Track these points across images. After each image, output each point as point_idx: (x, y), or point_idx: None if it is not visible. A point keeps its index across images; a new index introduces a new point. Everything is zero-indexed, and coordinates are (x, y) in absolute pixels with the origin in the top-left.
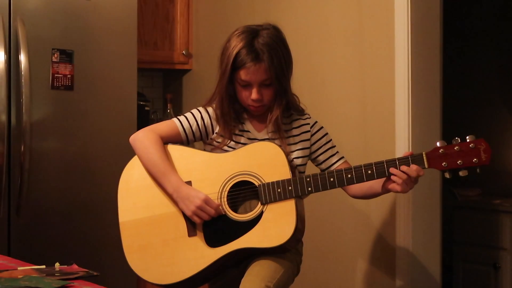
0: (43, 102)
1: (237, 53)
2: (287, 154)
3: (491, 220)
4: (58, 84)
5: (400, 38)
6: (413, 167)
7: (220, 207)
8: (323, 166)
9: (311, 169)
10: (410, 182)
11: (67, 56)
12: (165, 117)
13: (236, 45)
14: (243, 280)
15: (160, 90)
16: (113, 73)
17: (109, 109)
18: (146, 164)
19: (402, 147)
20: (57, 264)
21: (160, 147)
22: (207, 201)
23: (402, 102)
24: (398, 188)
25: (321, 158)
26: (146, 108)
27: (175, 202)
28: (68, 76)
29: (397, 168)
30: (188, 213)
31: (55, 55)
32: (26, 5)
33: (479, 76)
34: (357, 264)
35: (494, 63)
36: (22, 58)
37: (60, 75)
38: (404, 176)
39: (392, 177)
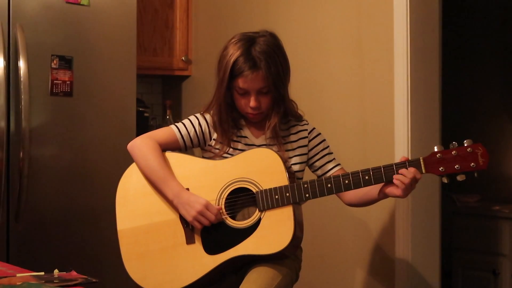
0: (42, 108)
1: (235, 61)
2: (285, 161)
3: (490, 226)
4: (57, 90)
5: (399, 44)
6: (411, 169)
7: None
8: (319, 172)
9: (308, 176)
10: (409, 185)
11: (66, 62)
12: (164, 123)
13: (233, 53)
14: (240, 287)
15: (159, 96)
16: (112, 79)
17: (108, 115)
18: (145, 171)
19: (401, 154)
20: (56, 271)
21: (158, 153)
22: (208, 206)
23: (401, 109)
24: (397, 192)
25: (317, 164)
26: (145, 114)
27: (175, 208)
28: (67, 82)
29: (395, 173)
30: (189, 218)
31: (54, 61)
32: (25, 11)
33: (478, 82)
34: (356, 269)
35: (493, 69)
36: (22, 64)
37: (59, 81)
38: (407, 180)
39: (396, 177)
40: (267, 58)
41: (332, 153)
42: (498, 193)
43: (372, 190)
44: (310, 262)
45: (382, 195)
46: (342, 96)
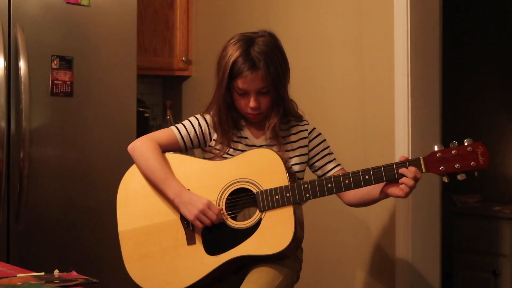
0: (42, 109)
1: (234, 62)
2: (285, 161)
3: (491, 227)
4: (58, 91)
5: (399, 43)
6: (411, 168)
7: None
8: (319, 172)
9: (308, 176)
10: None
11: (66, 62)
12: (164, 123)
13: (233, 53)
14: (241, 287)
15: (159, 97)
16: (113, 80)
17: (109, 115)
18: (145, 171)
19: (401, 153)
20: (56, 271)
21: (159, 154)
22: (209, 205)
23: (401, 109)
24: (399, 192)
25: (318, 164)
26: (146, 115)
27: (176, 208)
28: (68, 82)
29: (395, 173)
30: (190, 217)
31: (55, 62)
32: (25, 12)
33: (479, 82)
34: (357, 270)
35: (494, 69)
36: (22, 64)
37: (60, 82)
38: (412, 182)
39: (402, 180)
40: (266, 58)
41: (332, 153)
42: (498, 194)
43: (373, 190)
44: (310, 263)
45: (383, 195)
46: (343, 95)
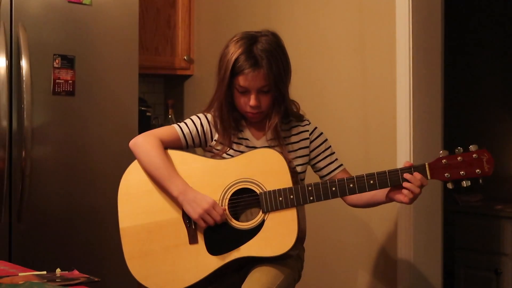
0: (44, 108)
1: (236, 59)
2: (289, 161)
3: (493, 226)
4: (60, 90)
5: (401, 43)
6: (417, 175)
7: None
8: (322, 173)
9: (310, 175)
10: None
11: (68, 61)
12: (166, 122)
13: (235, 51)
14: (243, 286)
15: (161, 96)
16: (114, 79)
17: (110, 114)
18: (148, 168)
19: (403, 155)
20: (58, 270)
21: (161, 151)
22: (214, 205)
23: (403, 108)
24: (404, 199)
25: (320, 165)
26: (148, 114)
27: (179, 205)
28: (70, 81)
29: (400, 178)
30: (195, 216)
31: (57, 61)
32: (27, 11)
33: (480, 82)
34: (358, 269)
35: (496, 69)
36: (24, 63)
37: (62, 81)
38: (417, 190)
39: (407, 185)
40: (269, 56)
41: (334, 153)
42: (500, 193)
43: (377, 194)
44: (312, 262)
45: (388, 200)
46: (344, 95)
